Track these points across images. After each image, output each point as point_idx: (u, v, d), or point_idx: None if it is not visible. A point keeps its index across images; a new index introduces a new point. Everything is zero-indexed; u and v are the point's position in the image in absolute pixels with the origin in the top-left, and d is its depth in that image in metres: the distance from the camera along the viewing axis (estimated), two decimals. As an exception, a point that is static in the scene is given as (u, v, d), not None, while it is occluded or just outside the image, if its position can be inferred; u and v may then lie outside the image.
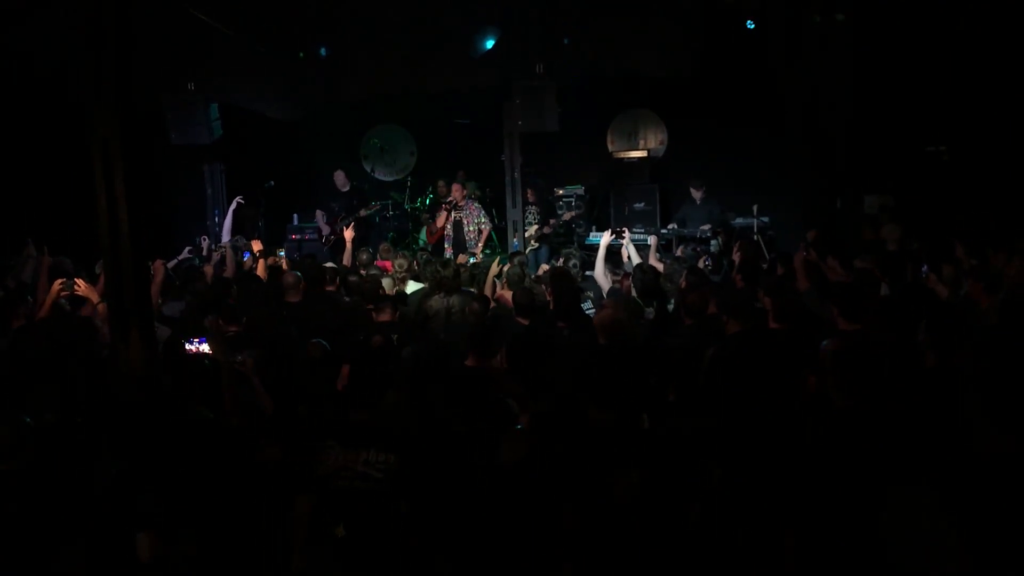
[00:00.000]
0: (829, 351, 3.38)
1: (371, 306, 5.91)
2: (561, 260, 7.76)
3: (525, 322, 5.38)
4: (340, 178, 10.39)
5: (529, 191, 10.68)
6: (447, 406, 3.95)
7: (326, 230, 10.00)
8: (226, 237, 9.07)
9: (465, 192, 9.91)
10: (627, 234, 7.23)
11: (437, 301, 6.00)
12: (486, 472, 3.16)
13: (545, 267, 7.82)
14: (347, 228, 8.16)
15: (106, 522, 2.95)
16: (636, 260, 6.80)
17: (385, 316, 5.70)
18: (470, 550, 2.97)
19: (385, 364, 4.10)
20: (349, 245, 7.95)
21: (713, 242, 9.18)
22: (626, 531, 2.91)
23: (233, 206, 9.40)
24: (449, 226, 9.73)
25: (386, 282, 6.55)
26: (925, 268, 5.87)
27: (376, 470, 3.23)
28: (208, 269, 7.11)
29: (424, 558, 3.12)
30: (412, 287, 6.81)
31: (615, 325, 4.90)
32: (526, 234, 9.82)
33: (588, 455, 3.23)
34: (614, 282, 6.54)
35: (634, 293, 5.96)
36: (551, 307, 5.78)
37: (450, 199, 9.68)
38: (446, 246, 9.69)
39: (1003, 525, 2.63)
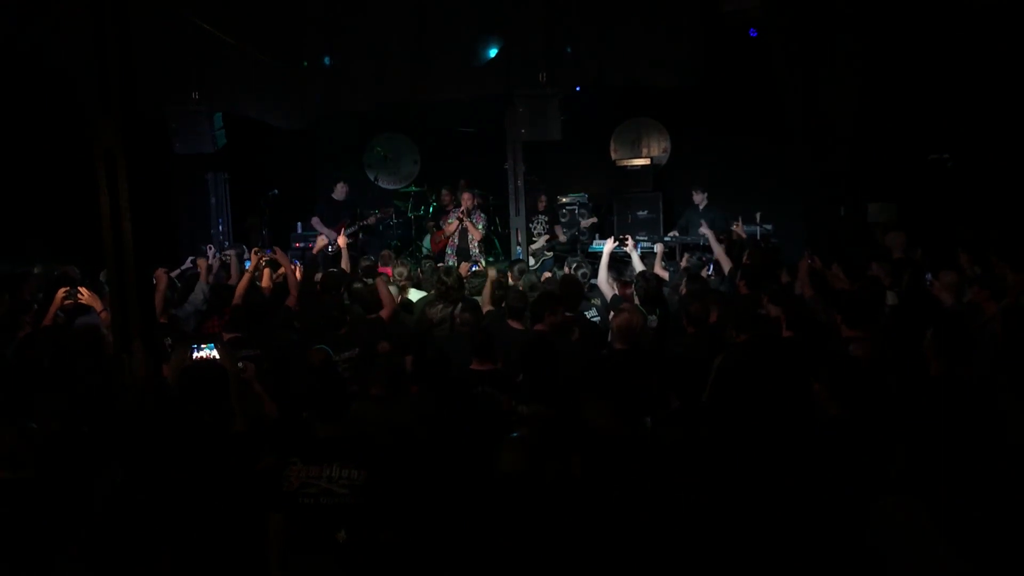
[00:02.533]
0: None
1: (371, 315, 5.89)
2: (571, 268, 7.73)
3: (518, 326, 5.38)
4: (340, 190, 10.42)
5: (543, 197, 10.70)
6: (448, 410, 3.95)
7: (332, 236, 9.97)
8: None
9: (476, 201, 9.93)
10: (631, 241, 7.21)
11: (441, 309, 6.00)
12: (484, 479, 3.14)
13: (548, 275, 7.81)
14: (341, 235, 8.20)
15: (109, 530, 2.95)
16: (639, 267, 6.80)
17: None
18: (465, 562, 2.94)
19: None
20: (345, 252, 7.98)
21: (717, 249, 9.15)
22: (630, 539, 2.89)
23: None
24: (456, 234, 9.73)
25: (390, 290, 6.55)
26: (929, 277, 5.86)
27: (340, 486, 3.18)
28: (201, 263, 6.99)
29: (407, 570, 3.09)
30: (415, 295, 6.81)
31: (626, 329, 4.90)
32: (534, 246, 9.82)
33: (592, 463, 3.22)
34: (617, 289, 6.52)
35: (636, 301, 5.95)
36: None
37: (461, 208, 9.69)
38: (449, 253, 9.69)
39: (1000, 535, 2.62)
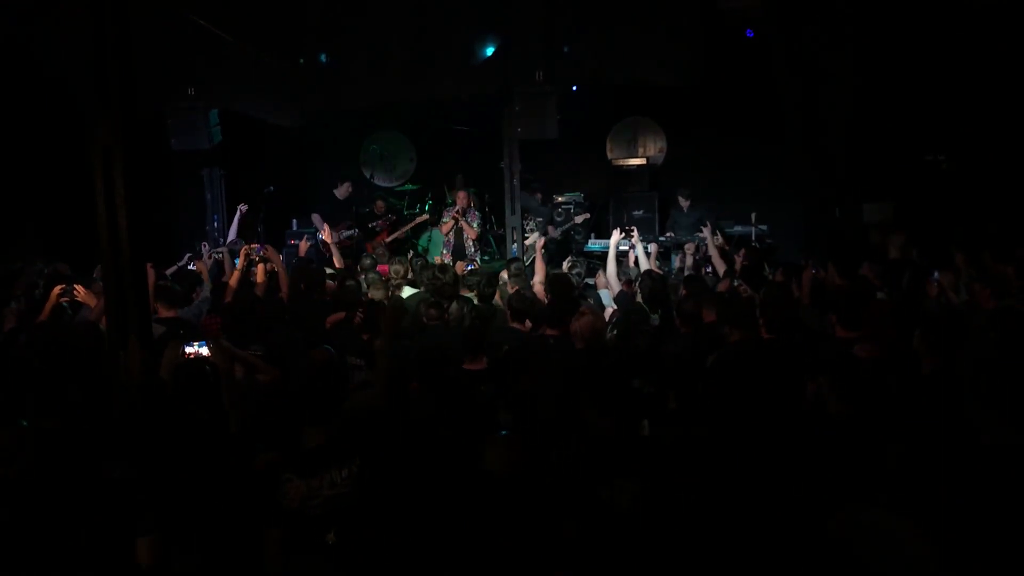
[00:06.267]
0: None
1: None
2: (566, 266, 7.73)
3: (522, 327, 5.37)
4: (343, 190, 10.30)
5: (537, 196, 10.68)
6: (438, 407, 3.95)
7: (334, 237, 9.87)
8: (231, 236, 9.18)
9: (472, 200, 9.91)
10: (636, 234, 7.17)
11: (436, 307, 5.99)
12: (471, 477, 3.14)
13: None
14: (326, 232, 8.19)
15: (106, 527, 2.94)
16: (644, 264, 6.78)
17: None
18: (458, 558, 2.94)
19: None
20: (334, 248, 7.96)
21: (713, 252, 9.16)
22: (624, 540, 2.89)
23: (237, 215, 9.40)
24: (451, 233, 9.72)
25: (381, 289, 6.56)
26: (936, 275, 5.89)
27: (343, 486, 3.20)
28: (200, 265, 6.99)
29: (407, 563, 3.08)
30: (408, 293, 6.80)
31: (592, 333, 4.90)
32: (527, 242, 9.80)
33: (586, 462, 3.22)
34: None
35: (639, 299, 5.93)
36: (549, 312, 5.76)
37: (456, 207, 9.67)
38: (445, 252, 9.67)
39: (988, 538, 2.61)
